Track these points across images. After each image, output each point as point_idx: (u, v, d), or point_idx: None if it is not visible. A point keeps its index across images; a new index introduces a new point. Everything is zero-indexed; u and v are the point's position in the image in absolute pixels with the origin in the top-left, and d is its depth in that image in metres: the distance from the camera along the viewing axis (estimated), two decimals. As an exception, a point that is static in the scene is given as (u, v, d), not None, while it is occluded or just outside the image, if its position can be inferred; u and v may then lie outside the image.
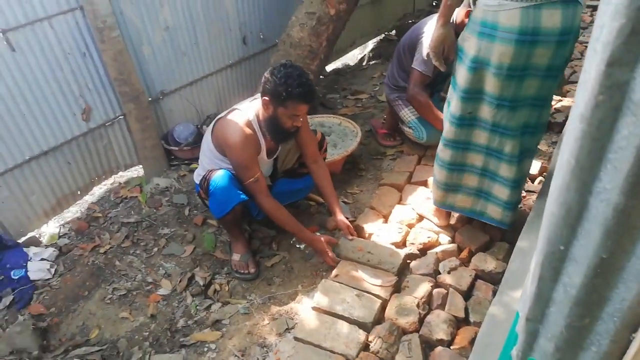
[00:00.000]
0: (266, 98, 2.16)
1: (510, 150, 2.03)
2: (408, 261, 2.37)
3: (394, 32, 4.86)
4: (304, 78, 2.11)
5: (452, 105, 2.07)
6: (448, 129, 2.12)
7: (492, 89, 1.88)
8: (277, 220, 2.36)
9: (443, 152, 2.20)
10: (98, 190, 3.15)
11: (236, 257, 2.47)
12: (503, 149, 2.04)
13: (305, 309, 2.20)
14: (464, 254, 2.31)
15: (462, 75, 1.95)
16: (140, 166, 3.23)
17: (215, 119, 2.37)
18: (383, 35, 4.93)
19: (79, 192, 2.99)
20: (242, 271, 2.45)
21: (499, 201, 2.20)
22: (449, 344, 1.91)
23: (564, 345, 0.64)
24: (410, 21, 4.62)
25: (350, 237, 2.44)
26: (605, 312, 0.58)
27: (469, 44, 1.88)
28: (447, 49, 2.04)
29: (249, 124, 2.25)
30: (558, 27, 1.71)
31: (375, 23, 4.74)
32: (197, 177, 2.49)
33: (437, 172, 2.30)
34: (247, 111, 2.28)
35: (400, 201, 2.75)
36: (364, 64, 4.64)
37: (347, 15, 3.33)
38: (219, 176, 2.25)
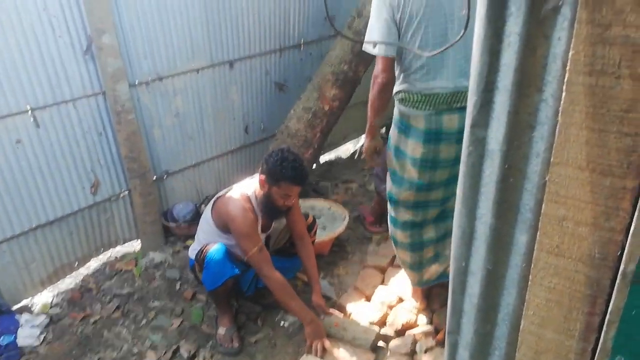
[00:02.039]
0: (262, 177, 2.39)
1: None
2: (382, 343, 2.44)
3: (384, 129, 5.25)
4: (298, 162, 2.35)
5: (388, 186, 2.42)
6: (394, 210, 2.41)
7: (412, 175, 2.23)
8: (280, 293, 2.39)
9: (400, 235, 2.43)
10: (94, 264, 3.27)
11: (222, 330, 2.55)
12: (427, 216, 2.35)
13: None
14: (441, 335, 2.40)
15: (390, 160, 2.33)
16: (137, 241, 3.39)
17: (216, 197, 2.58)
18: (375, 132, 5.32)
19: (76, 264, 3.12)
20: (226, 345, 2.51)
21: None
22: (422, 419, 1.95)
23: (476, 352, 0.78)
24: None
25: (322, 317, 2.52)
26: (500, 318, 0.73)
27: (393, 135, 2.26)
28: (379, 151, 2.45)
29: (247, 199, 2.46)
30: (456, 128, 2.06)
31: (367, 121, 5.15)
32: (192, 252, 2.64)
33: (401, 255, 2.50)
34: (246, 188, 2.52)
35: (382, 282, 2.88)
36: (355, 157, 4.96)
37: (340, 111, 3.69)
38: (215, 249, 2.40)
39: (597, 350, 0.61)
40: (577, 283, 0.61)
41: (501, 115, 0.64)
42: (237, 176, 3.90)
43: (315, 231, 2.88)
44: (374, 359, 2.28)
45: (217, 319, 2.63)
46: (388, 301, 2.68)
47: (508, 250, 0.69)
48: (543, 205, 0.59)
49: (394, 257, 3.10)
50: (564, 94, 0.55)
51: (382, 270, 2.98)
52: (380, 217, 3.56)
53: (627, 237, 0.56)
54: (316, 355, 2.29)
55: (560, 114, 0.56)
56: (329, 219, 3.44)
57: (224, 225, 2.46)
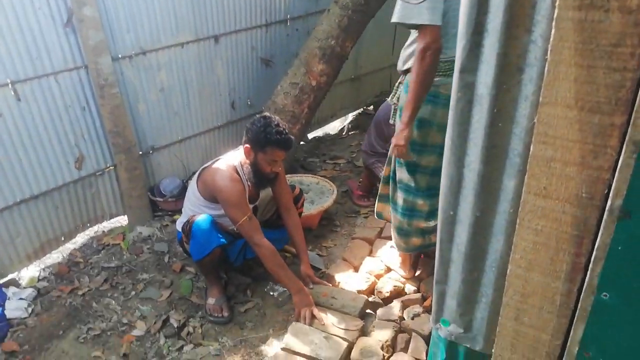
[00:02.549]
0: (247, 146, 2.39)
1: None
2: (369, 311, 2.47)
3: (371, 107, 5.25)
4: (281, 127, 2.36)
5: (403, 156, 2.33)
6: (412, 178, 2.37)
7: (437, 141, 2.20)
8: (270, 262, 2.38)
9: (421, 203, 2.40)
10: (80, 239, 3.25)
11: (211, 300, 2.56)
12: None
13: (275, 350, 2.28)
14: (428, 302, 2.44)
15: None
16: (124, 217, 3.37)
17: (201, 168, 2.57)
18: (362, 109, 5.31)
19: (62, 238, 3.09)
20: (216, 314, 2.53)
21: None
22: (409, 382, 1.99)
23: (463, 300, 0.79)
24: (386, 98, 5.01)
25: (311, 287, 2.55)
26: (487, 265, 0.75)
27: None
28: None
29: (234, 169, 2.46)
30: None
31: (355, 98, 5.13)
32: (179, 224, 2.63)
33: (393, 219, 2.52)
34: (232, 159, 2.51)
35: (370, 253, 2.91)
36: (343, 133, 4.96)
37: (327, 86, 3.67)
38: (201, 219, 2.40)
39: (583, 289, 0.62)
40: (564, 224, 0.62)
41: (490, 59, 0.64)
42: (223, 152, 3.86)
43: (302, 203, 2.88)
44: (362, 325, 2.31)
45: (207, 290, 2.64)
46: (376, 271, 2.71)
47: (496, 196, 0.70)
48: (531, 147, 0.60)
49: (381, 230, 3.13)
50: (553, 30, 0.55)
51: (370, 242, 3.00)
52: (368, 191, 3.58)
53: (614, 175, 0.57)
54: (304, 323, 2.32)
55: (549, 52, 0.56)
56: (317, 193, 3.44)
57: (210, 197, 2.46)
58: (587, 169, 0.58)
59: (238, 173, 2.47)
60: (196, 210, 2.51)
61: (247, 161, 2.44)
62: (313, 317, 2.35)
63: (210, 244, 2.38)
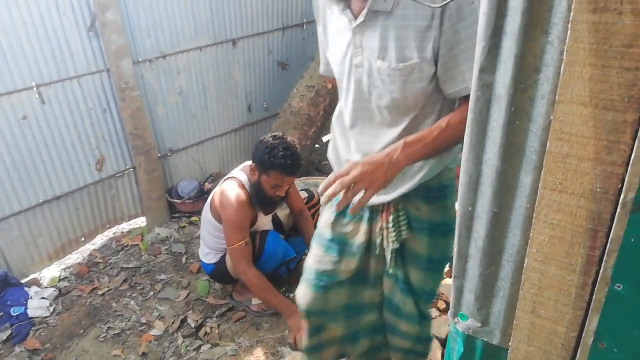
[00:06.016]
0: (253, 164, 2.33)
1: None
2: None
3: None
4: (289, 151, 2.21)
5: None
6: None
7: None
8: (257, 288, 2.34)
9: None
10: (100, 240, 3.32)
11: (255, 301, 2.60)
12: None
13: (291, 351, 2.31)
14: (442, 305, 2.46)
15: None
16: (143, 218, 3.43)
17: (213, 192, 2.53)
18: (377, 112, 5.34)
19: (82, 239, 3.17)
20: (262, 311, 2.59)
21: None
22: (424, 383, 2.00)
23: (481, 294, 0.81)
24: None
25: None
26: (504, 259, 0.77)
27: None
28: None
29: (242, 187, 2.38)
30: None
31: (370, 101, 5.17)
32: (203, 254, 2.59)
33: None
34: (240, 176, 2.44)
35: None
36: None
37: (343, 90, 3.70)
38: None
39: (597, 281, 0.65)
40: (579, 218, 0.64)
41: (508, 59, 0.67)
42: (240, 155, 3.94)
43: (318, 209, 2.92)
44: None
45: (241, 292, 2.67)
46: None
47: (513, 192, 0.72)
48: (547, 144, 0.63)
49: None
50: (569, 32, 0.58)
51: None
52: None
53: (627, 169, 0.59)
54: (301, 347, 2.33)
55: (565, 53, 0.59)
56: (332, 195, 3.48)
57: (220, 218, 2.40)
58: (601, 165, 0.61)
59: (247, 190, 2.39)
60: (215, 242, 2.50)
61: (252, 180, 2.38)
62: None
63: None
